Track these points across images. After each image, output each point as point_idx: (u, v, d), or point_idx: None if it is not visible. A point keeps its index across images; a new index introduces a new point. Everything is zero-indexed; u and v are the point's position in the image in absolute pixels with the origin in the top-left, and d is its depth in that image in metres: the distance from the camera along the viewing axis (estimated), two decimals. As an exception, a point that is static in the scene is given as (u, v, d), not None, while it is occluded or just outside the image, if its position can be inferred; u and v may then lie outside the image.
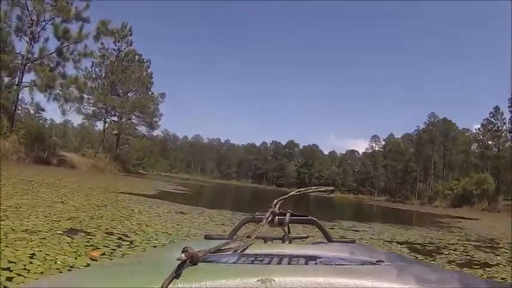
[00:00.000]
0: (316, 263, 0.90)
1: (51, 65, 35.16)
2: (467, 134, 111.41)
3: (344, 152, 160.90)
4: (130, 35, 58.40)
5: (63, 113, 37.43)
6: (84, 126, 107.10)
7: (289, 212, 1.47)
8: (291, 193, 1.64)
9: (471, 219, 34.05)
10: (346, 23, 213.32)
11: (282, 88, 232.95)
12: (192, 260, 0.79)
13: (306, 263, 0.89)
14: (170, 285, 0.70)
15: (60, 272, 3.90)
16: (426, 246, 10.95)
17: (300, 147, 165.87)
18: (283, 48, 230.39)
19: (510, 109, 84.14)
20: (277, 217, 1.42)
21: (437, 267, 0.98)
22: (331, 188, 1.79)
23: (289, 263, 0.89)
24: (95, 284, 0.79)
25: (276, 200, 1.48)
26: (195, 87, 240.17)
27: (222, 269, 0.80)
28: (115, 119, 58.80)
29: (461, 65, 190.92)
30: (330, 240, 1.46)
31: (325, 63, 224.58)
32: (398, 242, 10.95)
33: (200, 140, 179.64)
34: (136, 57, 59.93)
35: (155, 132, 68.64)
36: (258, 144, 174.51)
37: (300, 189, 1.66)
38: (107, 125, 57.78)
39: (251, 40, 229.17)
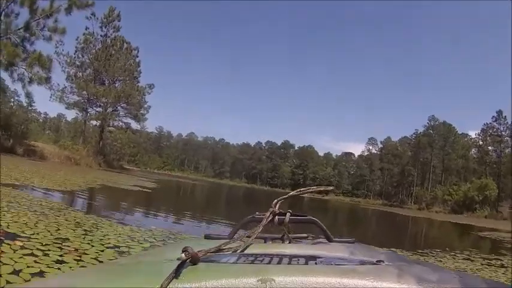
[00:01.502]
0: (316, 263, 0.90)
1: (17, 41, 30.34)
2: (465, 139, 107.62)
3: (339, 154, 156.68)
4: (119, 21, 53.30)
5: (28, 95, 32.79)
6: (78, 121, 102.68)
7: (289, 212, 1.44)
8: (291, 193, 1.63)
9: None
10: (344, 24, 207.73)
11: (275, 88, 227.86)
12: (192, 259, 0.78)
13: (306, 263, 0.89)
14: (170, 285, 0.69)
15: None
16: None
17: (296, 148, 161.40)
18: (279, 48, 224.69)
19: (514, 113, 79.90)
20: (277, 217, 1.42)
21: (437, 267, 1.00)
22: (330, 188, 1.82)
23: (289, 263, 0.89)
24: (95, 284, 0.78)
25: (276, 200, 1.48)
26: (190, 87, 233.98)
27: (222, 269, 0.80)
28: (100, 110, 53.87)
29: (460, 69, 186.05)
30: (330, 240, 1.43)
31: (323, 63, 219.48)
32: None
33: (194, 138, 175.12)
34: (125, 45, 54.90)
35: (145, 127, 64.11)
36: (252, 144, 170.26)
37: (300, 189, 1.65)
38: (88, 115, 52.92)
39: (244, 40, 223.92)
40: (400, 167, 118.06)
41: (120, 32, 53.90)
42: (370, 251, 1.12)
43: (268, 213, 1.37)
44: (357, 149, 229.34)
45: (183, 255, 0.77)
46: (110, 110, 53.73)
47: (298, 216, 1.44)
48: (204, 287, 0.71)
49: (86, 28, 51.18)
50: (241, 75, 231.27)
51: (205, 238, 1.39)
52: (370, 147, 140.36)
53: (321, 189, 1.70)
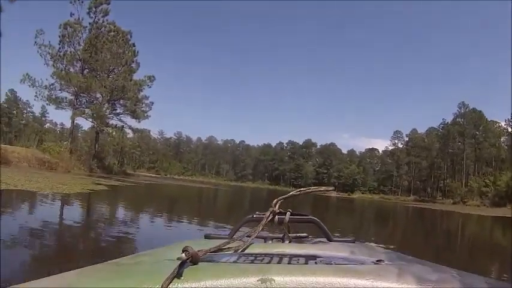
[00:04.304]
0: (316, 263, 0.89)
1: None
2: (495, 126, 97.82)
3: (363, 151, 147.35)
4: (108, 4, 44.97)
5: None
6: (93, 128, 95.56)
7: (289, 211, 1.45)
8: (291, 193, 1.66)
9: None
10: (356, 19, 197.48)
11: (295, 88, 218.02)
12: (192, 259, 0.77)
13: (306, 263, 0.88)
14: (170, 285, 0.68)
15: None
16: None
17: (318, 146, 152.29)
18: (296, 46, 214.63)
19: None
20: (277, 216, 1.43)
21: (438, 266, 0.99)
22: (331, 188, 1.91)
23: (289, 263, 0.88)
24: (95, 284, 0.77)
25: (275, 200, 1.50)
26: (206, 92, 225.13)
27: (222, 269, 0.78)
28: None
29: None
30: (330, 239, 1.45)
31: (338, 61, 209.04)
32: None
33: (214, 142, 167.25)
34: (119, 33, 46.65)
35: (163, 133, 56.35)
36: (274, 144, 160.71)
37: (301, 189, 1.69)
38: (74, 112, 44.55)
39: (263, 40, 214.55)
40: (430, 160, 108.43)
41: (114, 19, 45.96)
42: (370, 250, 1.11)
43: (268, 213, 1.38)
44: (380, 145, 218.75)
45: (183, 255, 0.75)
46: (106, 106, 45.72)
47: (298, 215, 1.45)
48: (204, 287, 0.69)
49: (71, 14, 43.17)
50: (258, 76, 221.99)
51: (205, 238, 1.44)
52: (396, 141, 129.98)
53: (322, 189, 1.74)
